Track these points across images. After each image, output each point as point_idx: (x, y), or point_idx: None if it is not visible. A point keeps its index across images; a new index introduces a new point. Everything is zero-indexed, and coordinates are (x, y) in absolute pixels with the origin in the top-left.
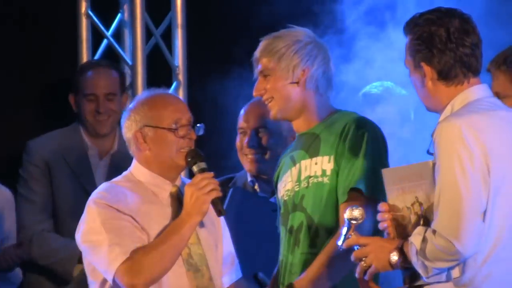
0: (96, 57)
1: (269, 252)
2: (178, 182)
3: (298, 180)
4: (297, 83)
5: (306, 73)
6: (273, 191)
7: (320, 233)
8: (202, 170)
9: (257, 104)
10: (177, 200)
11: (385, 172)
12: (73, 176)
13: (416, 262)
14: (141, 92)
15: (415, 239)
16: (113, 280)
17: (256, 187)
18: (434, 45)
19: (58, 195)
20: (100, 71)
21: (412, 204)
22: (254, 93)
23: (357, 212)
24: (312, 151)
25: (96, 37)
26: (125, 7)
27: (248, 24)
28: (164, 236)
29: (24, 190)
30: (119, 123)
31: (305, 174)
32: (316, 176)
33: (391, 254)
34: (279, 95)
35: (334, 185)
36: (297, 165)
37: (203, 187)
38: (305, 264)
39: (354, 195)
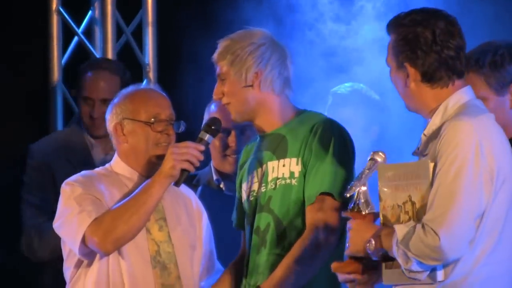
0: (67, 54)
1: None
2: None
3: (265, 181)
4: (252, 86)
5: (259, 76)
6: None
7: (287, 235)
8: (199, 140)
9: None
10: None
11: (380, 167)
12: None
13: (396, 251)
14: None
15: (399, 228)
16: (80, 249)
17: (221, 185)
18: (419, 47)
19: None
20: (99, 73)
21: (404, 203)
22: (213, 97)
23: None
24: (279, 153)
25: (67, 34)
26: (96, 5)
27: (219, 22)
28: (134, 195)
29: (26, 195)
30: None
31: (272, 176)
32: (284, 178)
33: (370, 240)
34: (235, 98)
35: (302, 188)
36: (264, 166)
37: (180, 153)
38: (272, 265)
39: (324, 199)
